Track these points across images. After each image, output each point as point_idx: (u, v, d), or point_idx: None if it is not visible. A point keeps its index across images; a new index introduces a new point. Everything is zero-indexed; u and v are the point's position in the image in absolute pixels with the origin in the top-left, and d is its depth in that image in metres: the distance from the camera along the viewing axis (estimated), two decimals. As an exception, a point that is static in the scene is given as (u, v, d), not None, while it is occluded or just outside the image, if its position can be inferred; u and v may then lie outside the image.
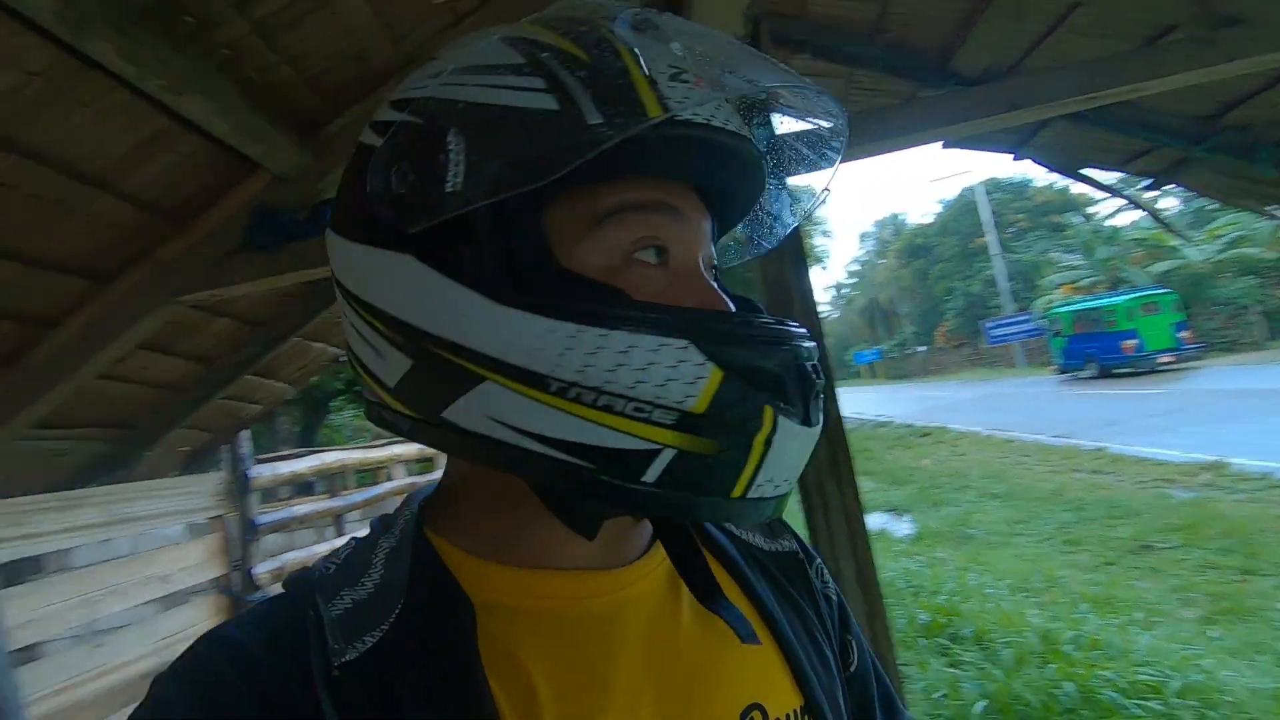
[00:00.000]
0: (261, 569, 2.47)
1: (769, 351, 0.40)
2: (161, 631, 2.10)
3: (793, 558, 0.58)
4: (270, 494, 3.54)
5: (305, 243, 1.57)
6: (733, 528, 0.57)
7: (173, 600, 2.38)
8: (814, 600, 0.56)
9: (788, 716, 0.47)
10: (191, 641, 0.41)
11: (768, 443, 0.39)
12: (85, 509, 1.87)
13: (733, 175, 0.46)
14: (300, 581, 0.44)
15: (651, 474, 0.39)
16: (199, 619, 2.22)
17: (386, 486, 3.09)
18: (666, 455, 0.38)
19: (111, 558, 2.29)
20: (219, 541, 2.39)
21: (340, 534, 2.65)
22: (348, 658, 0.39)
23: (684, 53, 0.42)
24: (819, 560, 0.61)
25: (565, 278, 0.41)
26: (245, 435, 2.44)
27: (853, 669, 0.57)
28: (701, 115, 0.40)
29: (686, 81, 0.39)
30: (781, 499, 0.42)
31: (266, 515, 2.54)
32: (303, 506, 2.68)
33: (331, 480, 2.92)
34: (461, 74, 0.42)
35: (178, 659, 0.40)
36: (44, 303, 1.63)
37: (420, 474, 3.34)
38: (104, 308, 1.65)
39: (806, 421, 0.40)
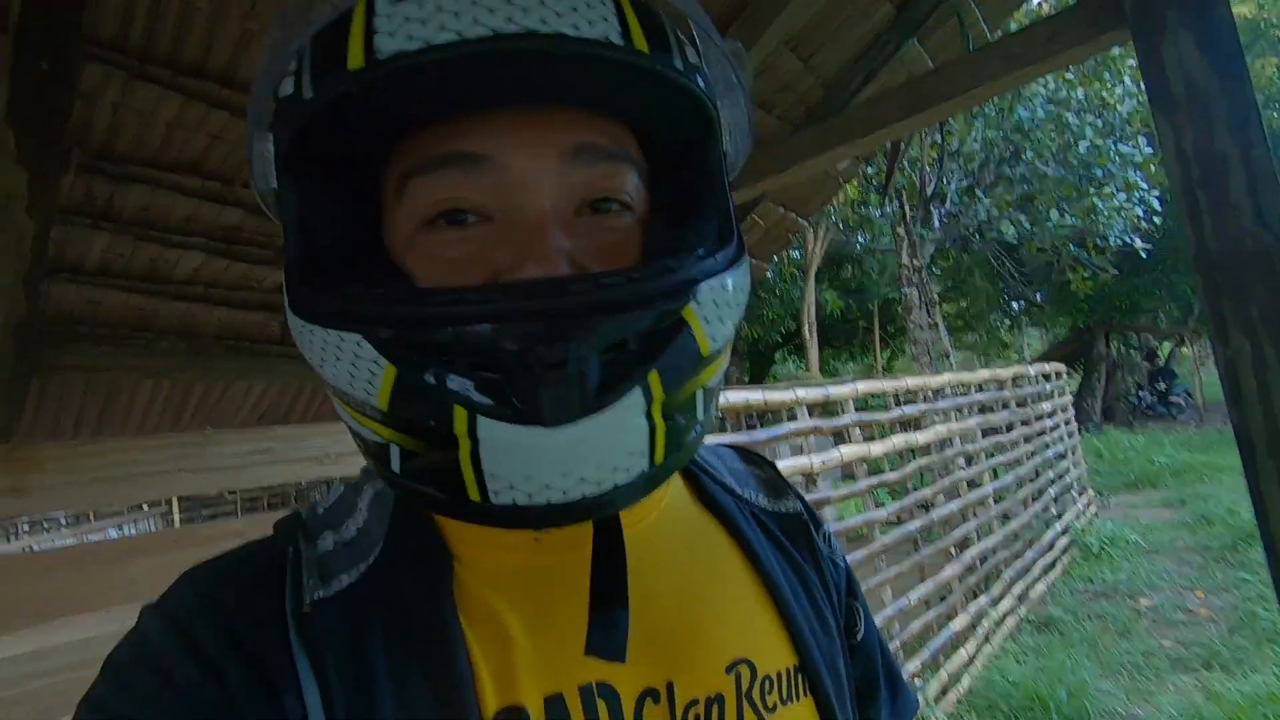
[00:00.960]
0: None
1: (452, 337, 0.33)
2: None
3: (796, 519, 0.56)
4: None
5: None
6: (735, 485, 0.55)
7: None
8: (817, 563, 0.55)
9: (779, 674, 0.46)
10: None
11: (474, 445, 0.33)
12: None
13: (579, 79, 0.37)
14: (287, 522, 0.45)
15: (395, 465, 0.37)
16: None
17: (788, 427, 3.23)
18: (394, 449, 0.37)
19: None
20: None
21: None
22: (320, 595, 0.39)
23: None
24: (826, 526, 0.60)
25: (359, 265, 0.39)
26: None
27: (859, 638, 0.57)
28: (419, 38, 0.33)
29: None
30: (576, 504, 0.34)
31: None
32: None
33: (738, 417, 3.04)
34: (265, 65, 0.40)
35: (164, 592, 0.41)
36: None
37: (822, 416, 3.40)
38: None
39: (536, 419, 0.32)
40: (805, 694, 0.46)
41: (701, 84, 0.39)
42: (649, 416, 0.35)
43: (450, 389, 0.33)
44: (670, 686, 0.42)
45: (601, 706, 0.40)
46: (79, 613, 1.57)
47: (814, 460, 3.22)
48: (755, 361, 16.46)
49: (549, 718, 0.39)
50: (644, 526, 0.46)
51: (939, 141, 8.83)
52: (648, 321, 0.35)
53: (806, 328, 12.32)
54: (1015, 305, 15.01)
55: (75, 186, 1.51)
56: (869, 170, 8.48)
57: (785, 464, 3.16)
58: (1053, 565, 5.23)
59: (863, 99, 2.04)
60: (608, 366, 0.34)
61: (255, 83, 0.40)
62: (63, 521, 7.74)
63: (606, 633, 0.38)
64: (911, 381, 4.36)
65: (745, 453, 0.61)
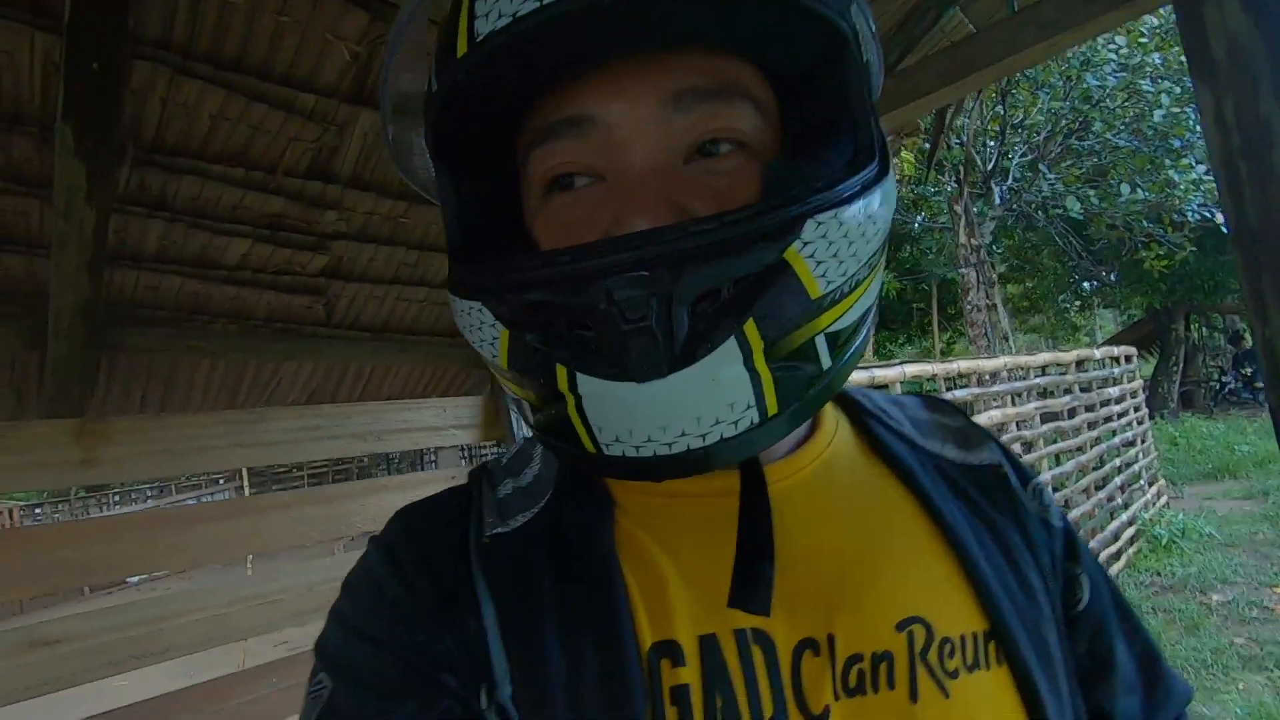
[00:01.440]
0: None
1: (543, 299, 0.35)
2: None
3: (992, 471, 0.52)
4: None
5: None
6: (915, 435, 0.52)
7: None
8: (1020, 521, 0.50)
9: (963, 638, 0.42)
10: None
11: (578, 400, 0.35)
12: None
13: (678, 20, 0.36)
14: (476, 472, 0.50)
15: (529, 416, 0.41)
16: None
17: None
18: (524, 404, 0.41)
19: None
20: None
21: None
22: (498, 530, 0.44)
23: None
24: (1037, 481, 0.54)
25: (498, 243, 0.42)
26: None
27: (1081, 607, 0.50)
28: (507, 13, 0.33)
29: None
30: (684, 456, 0.35)
31: None
32: None
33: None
34: (385, 62, 0.45)
35: (383, 527, 0.47)
36: None
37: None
38: None
39: (625, 374, 0.33)
40: (998, 663, 0.42)
41: None
42: (751, 367, 0.34)
43: (551, 348, 0.35)
44: (831, 639, 0.41)
45: (756, 652, 0.40)
46: (152, 571, 1.72)
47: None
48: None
49: (702, 655, 0.39)
50: (804, 476, 0.46)
51: (1001, 114, 8.43)
52: (739, 268, 0.33)
53: (860, 310, 12.01)
54: (1086, 285, 14.25)
55: (130, 178, 1.62)
56: (925, 146, 8.19)
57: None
58: (1117, 556, 5.01)
59: (896, 70, 1.98)
60: (699, 318, 0.33)
61: (380, 78, 0.44)
62: (147, 493, 8.34)
63: (750, 586, 0.38)
64: (963, 364, 4.23)
65: (932, 401, 0.57)
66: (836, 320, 0.36)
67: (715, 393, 0.34)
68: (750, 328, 0.33)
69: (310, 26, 1.50)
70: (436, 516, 0.47)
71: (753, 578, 0.38)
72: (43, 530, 1.72)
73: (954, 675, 0.41)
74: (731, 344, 0.33)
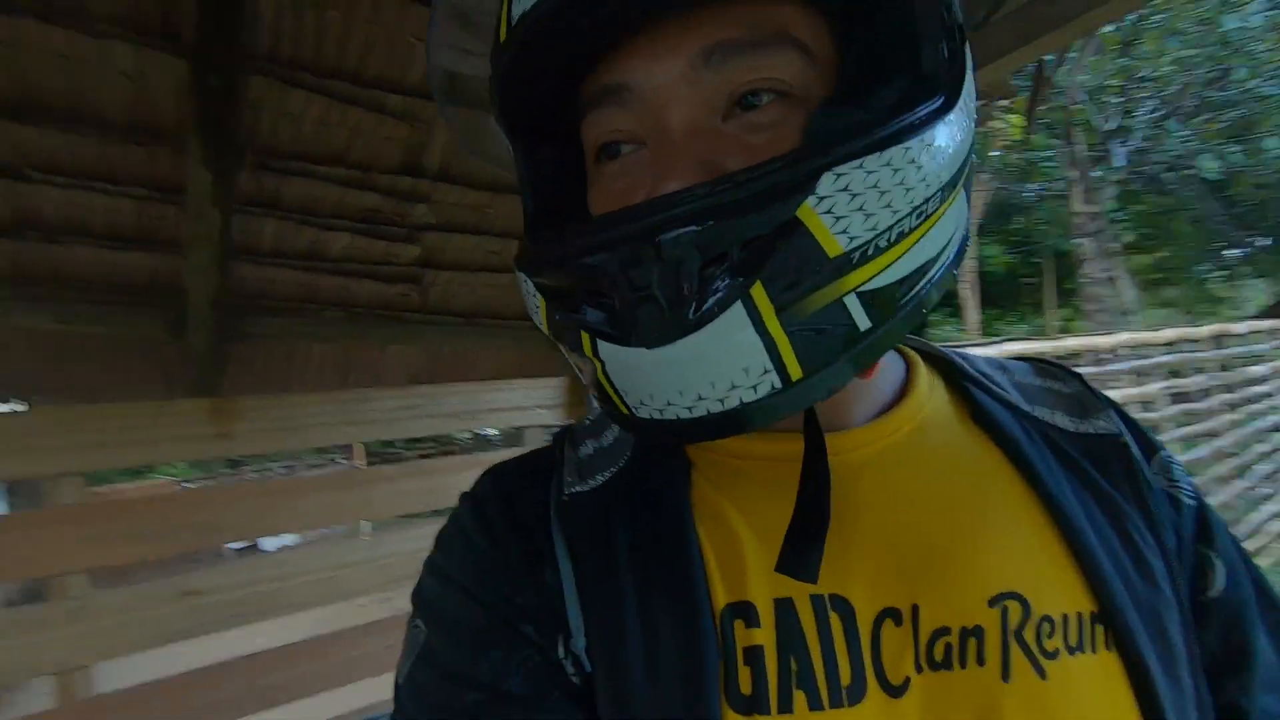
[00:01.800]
0: None
1: (574, 270, 0.35)
2: None
3: (1110, 441, 0.48)
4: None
5: None
6: (1022, 402, 0.49)
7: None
8: (1140, 497, 0.46)
9: (1065, 617, 0.39)
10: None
11: (603, 365, 0.36)
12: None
13: None
14: (561, 433, 0.51)
15: (586, 378, 0.41)
16: None
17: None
18: (580, 368, 0.40)
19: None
20: None
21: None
22: (577, 489, 0.45)
23: None
24: (1165, 453, 0.50)
25: (568, 215, 0.43)
26: None
27: (1212, 593, 0.46)
28: None
29: None
30: (703, 420, 0.34)
31: None
32: None
33: None
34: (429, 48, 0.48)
35: (474, 484, 0.48)
36: None
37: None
38: None
39: (635, 340, 0.34)
40: (1106, 647, 0.39)
41: None
42: (762, 331, 0.33)
43: (576, 317, 0.36)
44: (915, 610, 0.39)
45: (834, 618, 0.39)
46: (275, 531, 1.94)
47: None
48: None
49: (778, 618, 0.39)
50: (891, 443, 0.44)
51: (1124, 67, 7.68)
52: (740, 231, 0.32)
53: (966, 286, 11.36)
54: (1231, 253, 12.78)
55: (248, 182, 1.80)
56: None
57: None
58: (1260, 551, 4.53)
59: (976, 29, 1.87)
60: (705, 283, 0.32)
61: (428, 68, 0.46)
62: (279, 470, 9.26)
63: (801, 553, 0.37)
64: (1074, 342, 3.95)
65: (1043, 365, 0.55)
66: (873, 278, 0.34)
67: (727, 357, 0.33)
68: (758, 290, 0.32)
69: (396, 32, 1.61)
70: (523, 474, 0.48)
71: (805, 544, 0.37)
72: (188, 495, 1.95)
73: (1053, 656, 0.38)
74: (738, 308, 0.32)
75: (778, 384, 0.34)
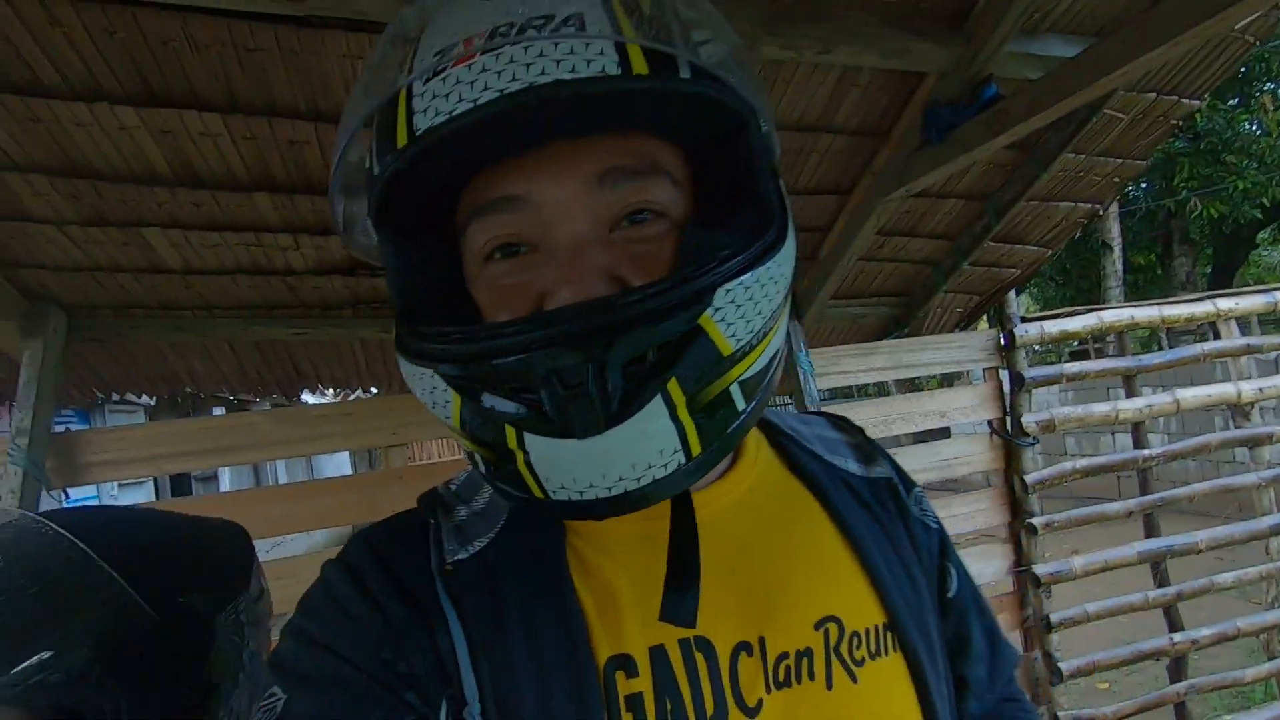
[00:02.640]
0: (1030, 419, 2.62)
1: (491, 369, 0.37)
2: (943, 454, 2.66)
3: (886, 483, 0.58)
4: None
5: (964, 128, 1.72)
6: (823, 452, 0.58)
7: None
8: (907, 526, 0.56)
9: (867, 631, 0.48)
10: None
11: (525, 455, 0.39)
12: (878, 355, 2.59)
13: (595, 109, 0.39)
14: (428, 498, 0.53)
15: (483, 467, 0.44)
16: (974, 451, 2.70)
17: (1205, 347, 2.72)
18: (477, 456, 0.43)
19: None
20: (992, 390, 2.67)
21: (1132, 394, 2.66)
22: (459, 556, 0.46)
23: None
24: (918, 489, 0.61)
25: (441, 305, 0.44)
26: (1012, 297, 2.76)
27: (951, 594, 0.58)
28: (443, 112, 0.36)
29: (442, 71, 0.37)
30: (621, 498, 0.38)
31: (1035, 371, 2.63)
32: (1073, 366, 2.70)
33: (1120, 339, 2.81)
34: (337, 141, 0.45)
35: (341, 550, 0.49)
36: (816, 216, 2.37)
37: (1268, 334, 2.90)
38: (849, 213, 2.31)
39: (567, 433, 0.37)
40: (894, 649, 0.48)
41: (713, 85, 0.40)
42: (675, 418, 0.38)
43: (500, 411, 0.38)
44: (762, 640, 0.46)
45: (699, 657, 0.44)
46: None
47: (1244, 388, 2.67)
48: (1223, 248, 12.39)
49: (653, 665, 0.43)
50: (734, 499, 0.50)
51: None
52: (660, 336, 0.37)
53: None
54: None
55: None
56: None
57: (1197, 392, 2.67)
58: None
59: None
60: (630, 379, 0.37)
61: (333, 154, 0.44)
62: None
63: (677, 603, 0.41)
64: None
65: (836, 419, 0.65)
66: (748, 370, 0.41)
67: (646, 442, 0.38)
68: (673, 385, 0.37)
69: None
70: (396, 541, 0.49)
71: (681, 593, 0.42)
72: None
73: (861, 664, 0.47)
74: (658, 401, 0.37)
75: (683, 461, 0.39)
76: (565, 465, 0.38)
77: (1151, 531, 2.72)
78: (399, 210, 0.43)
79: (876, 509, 0.55)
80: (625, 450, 0.37)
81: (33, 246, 1.77)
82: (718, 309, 0.38)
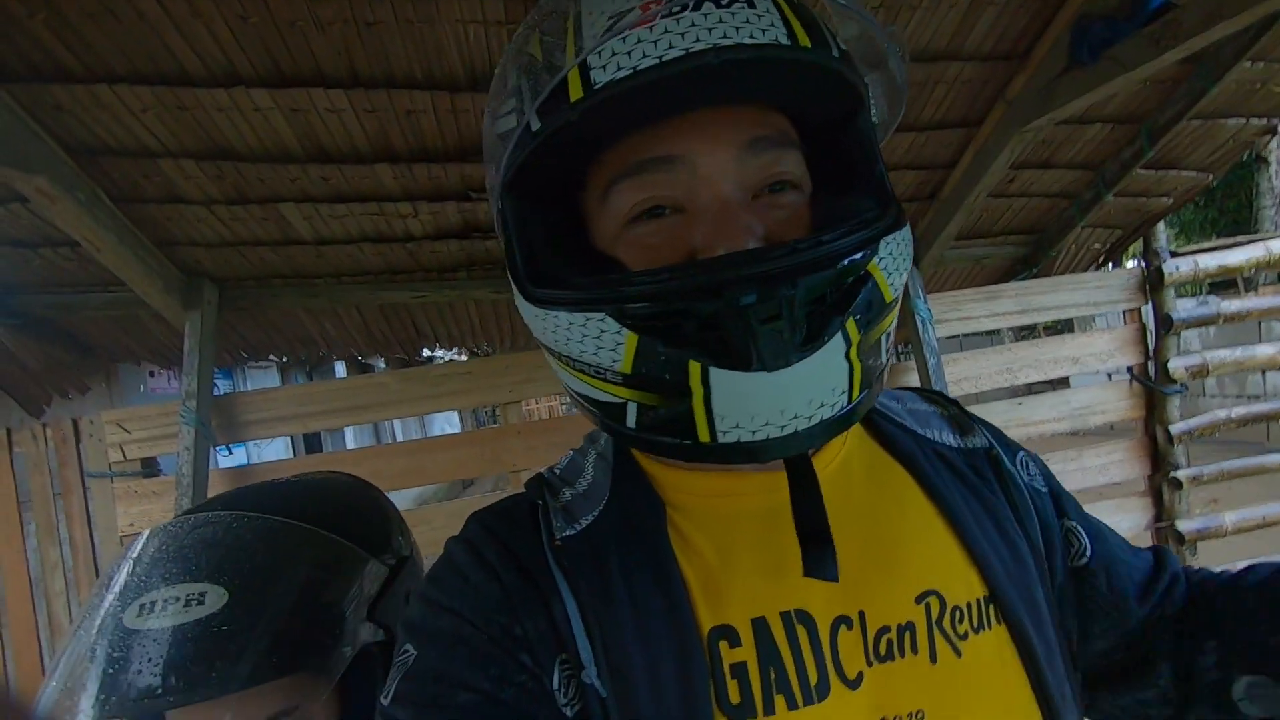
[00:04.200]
0: (1178, 363, 2.39)
1: (683, 304, 0.39)
2: (1073, 403, 2.46)
3: (984, 453, 0.57)
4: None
5: (1124, 44, 1.54)
6: (914, 425, 0.57)
7: (1084, 380, 2.81)
8: (1009, 496, 0.55)
9: (969, 605, 0.47)
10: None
11: (706, 393, 0.39)
12: (1004, 299, 2.45)
13: (749, 80, 0.42)
14: (534, 483, 0.55)
15: (630, 420, 0.44)
16: (1107, 399, 2.49)
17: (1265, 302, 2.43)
18: (631, 407, 0.43)
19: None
20: (1133, 333, 2.45)
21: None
22: (567, 533, 0.49)
23: None
24: (1023, 454, 0.60)
25: (572, 263, 0.45)
26: (1160, 229, 2.51)
27: (1084, 560, 0.56)
28: (626, 66, 0.38)
29: (619, 28, 0.38)
30: (791, 437, 0.40)
31: (1186, 311, 2.40)
32: (1231, 303, 2.39)
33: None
34: (490, 106, 0.48)
35: (459, 532, 0.52)
36: (939, 153, 2.21)
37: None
38: (978, 146, 2.14)
39: (759, 364, 0.38)
40: (998, 622, 0.48)
41: (851, 68, 0.43)
42: (848, 358, 0.40)
43: (685, 348, 0.39)
44: (862, 615, 0.46)
45: (800, 630, 0.45)
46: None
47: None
48: None
49: (756, 636, 0.45)
50: (830, 472, 0.50)
51: None
52: (843, 277, 0.40)
53: None
54: None
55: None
56: None
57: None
58: None
59: None
60: (813, 317, 0.39)
61: (486, 125, 0.48)
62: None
63: (818, 557, 0.42)
64: None
65: (927, 392, 0.64)
66: (893, 322, 0.45)
67: (825, 377, 0.39)
68: (851, 324, 0.40)
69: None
70: (510, 521, 0.51)
71: (819, 550, 0.43)
72: (575, 418, 2.53)
73: (964, 638, 0.47)
74: (839, 338, 0.39)
75: (844, 404, 0.41)
76: (748, 400, 0.39)
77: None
78: (537, 173, 0.44)
79: (974, 479, 0.55)
80: (806, 384, 0.39)
81: (187, 226, 1.92)
82: (881, 259, 0.41)
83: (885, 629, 0.46)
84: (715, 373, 0.39)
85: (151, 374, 4.98)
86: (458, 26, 1.49)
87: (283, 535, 0.74)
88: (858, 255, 0.40)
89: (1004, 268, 2.75)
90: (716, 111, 0.43)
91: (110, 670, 0.63)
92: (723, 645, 0.44)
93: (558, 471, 0.56)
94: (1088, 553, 0.57)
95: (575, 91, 0.39)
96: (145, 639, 0.63)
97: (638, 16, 0.38)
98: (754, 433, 0.40)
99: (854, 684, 0.45)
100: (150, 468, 2.19)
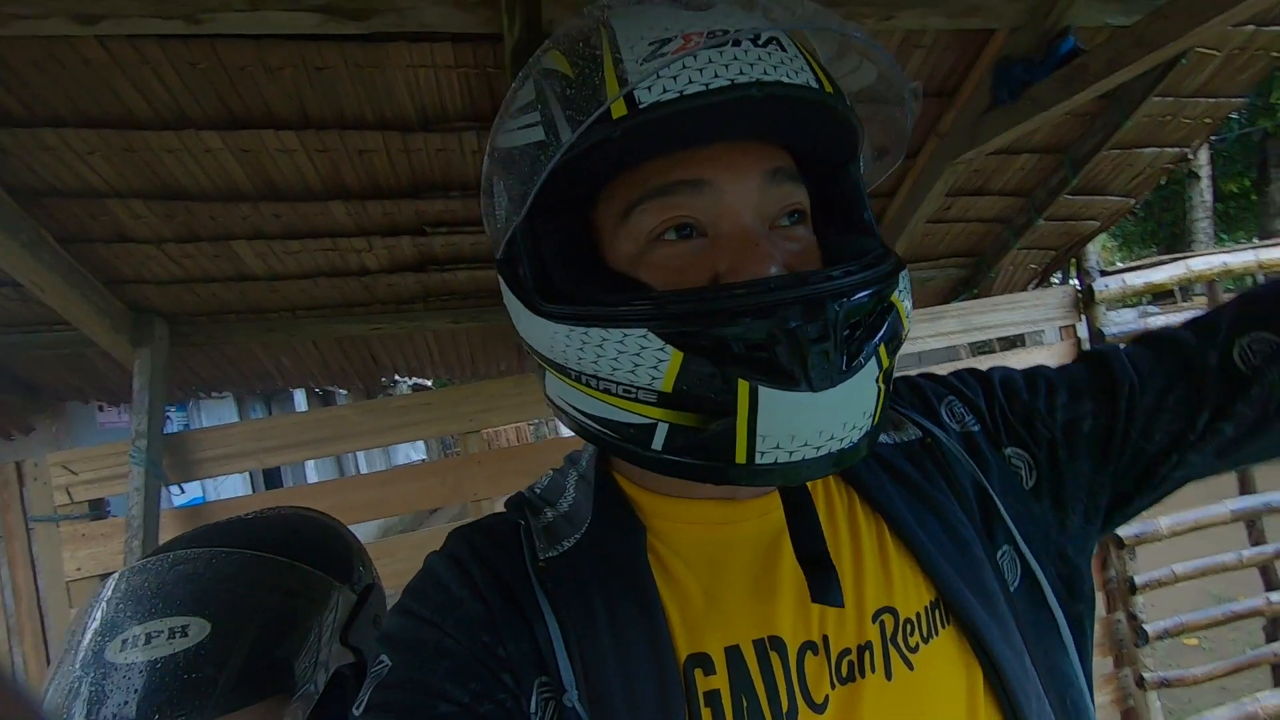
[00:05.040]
0: None
1: (734, 324, 0.38)
2: None
3: (919, 444, 0.56)
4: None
5: (1040, 85, 1.65)
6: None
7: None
8: (949, 478, 0.54)
9: (918, 615, 0.48)
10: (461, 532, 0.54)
11: (752, 413, 0.39)
12: (947, 319, 2.53)
13: (772, 118, 0.43)
14: (515, 502, 0.56)
15: (658, 442, 0.42)
16: None
17: None
18: (662, 428, 0.41)
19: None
20: (1070, 348, 2.58)
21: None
22: (550, 555, 0.50)
23: None
24: (950, 398, 0.59)
25: (585, 280, 0.45)
26: (1091, 249, 2.66)
27: (1032, 484, 0.55)
28: (672, 90, 0.39)
29: (664, 54, 0.39)
30: (825, 457, 0.40)
31: (1116, 327, 2.56)
32: (1157, 319, 2.58)
33: (1213, 288, 2.67)
34: (504, 119, 0.47)
35: (440, 547, 0.52)
36: (880, 183, 2.25)
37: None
38: (915, 176, 2.25)
39: (805, 385, 0.38)
40: (944, 624, 0.48)
41: (855, 116, 0.46)
42: (878, 382, 0.41)
43: (734, 367, 0.38)
44: (825, 639, 0.47)
45: (773, 657, 0.46)
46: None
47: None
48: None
49: (729, 664, 0.45)
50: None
51: None
52: (877, 303, 0.41)
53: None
54: None
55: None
56: None
57: None
58: None
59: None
60: (850, 342, 0.40)
61: (495, 141, 0.47)
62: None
63: (823, 583, 0.43)
64: None
65: None
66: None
67: (862, 399, 0.40)
68: (883, 350, 0.41)
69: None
70: (495, 537, 0.52)
71: (823, 577, 0.44)
72: (554, 442, 2.54)
73: (915, 650, 0.47)
74: (874, 362, 0.41)
75: (867, 427, 0.41)
76: (792, 419, 0.39)
77: (1246, 487, 2.60)
78: (558, 189, 0.43)
79: (915, 477, 0.54)
80: (845, 406, 0.40)
81: (135, 264, 1.90)
82: (901, 290, 0.43)
83: (846, 651, 0.47)
84: (765, 392, 0.38)
85: (101, 408, 4.84)
86: (408, 71, 1.52)
87: (259, 567, 0.77)
88: (886, 286, 0.42)
89: (947, 289, 2.87)
90: (741, 143, 0.44)
91: (95, 705, 0.64)
92: (698, 673, 0.45)
93: (538, 491, 0.56)
94: (1034, 480, 0.56)
95: (619, 109, 0.39)
96: (130, 672, 0.65)
97: (680, 44, 0.39)
98: (791, 454, 0.39)
99: (820, 708, 0.45)
100: (99, 509, 2.13)
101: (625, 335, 0.40)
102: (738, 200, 0.44)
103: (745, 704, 0.45)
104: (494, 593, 0.48)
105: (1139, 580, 2.51)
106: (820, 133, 0.46)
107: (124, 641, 0.67)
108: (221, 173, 1.68)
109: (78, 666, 0.67)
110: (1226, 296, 2.56)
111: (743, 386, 0.38)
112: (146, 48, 1.34)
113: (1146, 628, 2.49)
